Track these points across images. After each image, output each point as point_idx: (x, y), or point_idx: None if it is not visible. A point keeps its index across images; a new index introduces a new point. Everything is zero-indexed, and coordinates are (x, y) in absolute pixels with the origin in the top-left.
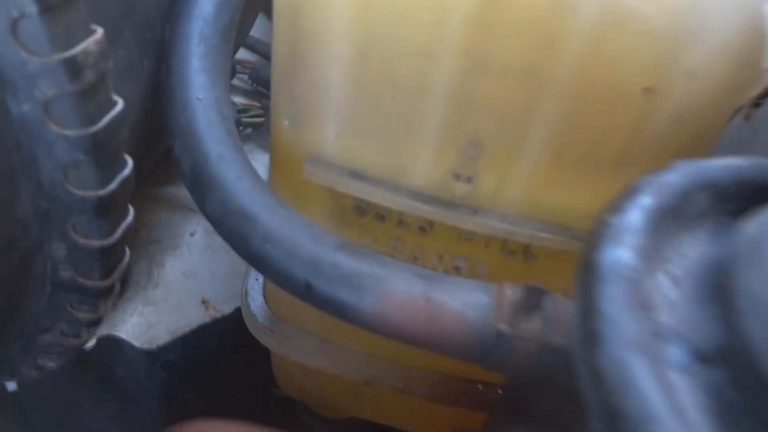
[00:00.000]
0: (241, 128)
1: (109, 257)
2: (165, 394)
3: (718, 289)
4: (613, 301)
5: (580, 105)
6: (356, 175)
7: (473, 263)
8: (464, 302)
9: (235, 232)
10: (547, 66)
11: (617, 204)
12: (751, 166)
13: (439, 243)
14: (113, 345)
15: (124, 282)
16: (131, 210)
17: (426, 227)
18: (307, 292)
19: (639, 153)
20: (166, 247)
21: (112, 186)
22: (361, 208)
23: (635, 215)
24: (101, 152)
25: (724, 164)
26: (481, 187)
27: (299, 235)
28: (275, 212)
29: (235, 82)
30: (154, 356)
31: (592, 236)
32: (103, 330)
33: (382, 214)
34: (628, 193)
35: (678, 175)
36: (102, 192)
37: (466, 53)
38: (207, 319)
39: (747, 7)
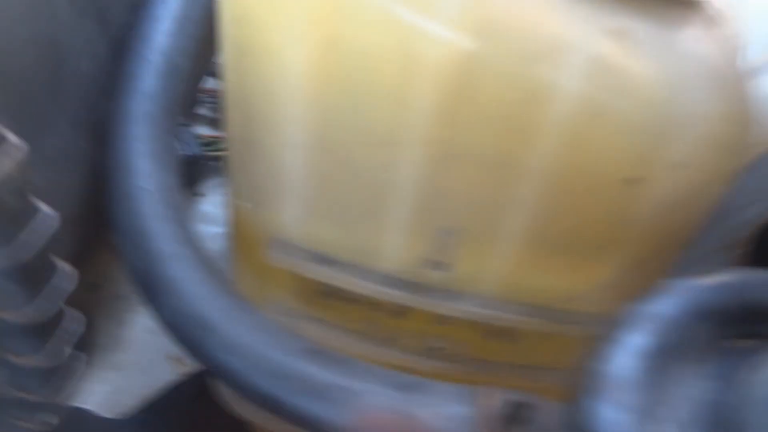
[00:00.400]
0: (208, 162)
1: (55, 372)
2: None
3: None
4: None
5: (557, 194)
6: (322, 259)
7: (454, 343)
8: (446, 417)
9: (193, 342)
10: (521, 155)
11: (607, 346)
12: (754, 283)
13: (416, 325)
14: (79, 418)
15: (89, 346)
16: (81, 318)
17: (400, 311)
18: (275, 406)
19: (622, 239)
20: (131, 304)
21: (47, 306)
22: (329, 292)
23: (628, 362)
24: (27, 272)
25: (725, 284)
26: (458, 272)
27: (264, 343)
28: (236, 318)
29: (201, 111)
30: (124, 423)
31: (580, 389)
32: (69, 401)
33: (352, 298)
34: (617, 331)
35: (674, 305)
36: (34, 315)
37: (433, 143)
38: (177, 376)
39: (727, 93)
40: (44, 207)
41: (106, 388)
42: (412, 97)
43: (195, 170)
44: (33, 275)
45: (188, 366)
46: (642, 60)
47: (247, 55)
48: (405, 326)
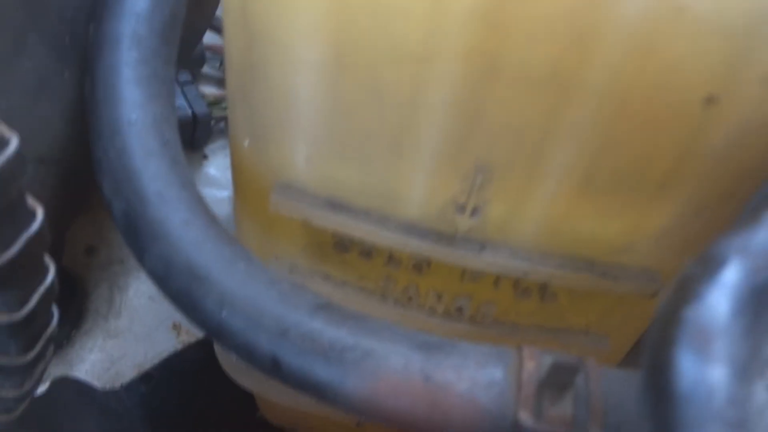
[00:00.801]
0: (213, 122)
1: (24, 330)
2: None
3: None
4: None
5: (618, 118)
6: (335, 205)
7: (479, 303)
8: (474, 381)
9: (184, 296)
10: (577, 70)
11: (694, 284)
12: None
13: (438, 282)
14: (71, 387)
15: (82, 312)
16: (51, 267)
17: (422, 265)
18: (275, 370)
19: (691, 174)
20: (129, 268)
21: (13, 251)
22: (343, 244)
23: (723, 305)
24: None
25: None
26: (490, 218)
27: (264, 296)
28: (233, 267)
29: (205, 70)
30: (118, 394)
31: (660, 338)
32: (59, 370)
33: (368, 251)
34: (708, 266)
35: None
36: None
37: (472, 56)
38: (180, 346)
39: None
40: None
41: (101, 357)
42: (448, 1)
43: (200, 131)
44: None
45: (190, 335)
46: None
47: None
48: (426, 284)
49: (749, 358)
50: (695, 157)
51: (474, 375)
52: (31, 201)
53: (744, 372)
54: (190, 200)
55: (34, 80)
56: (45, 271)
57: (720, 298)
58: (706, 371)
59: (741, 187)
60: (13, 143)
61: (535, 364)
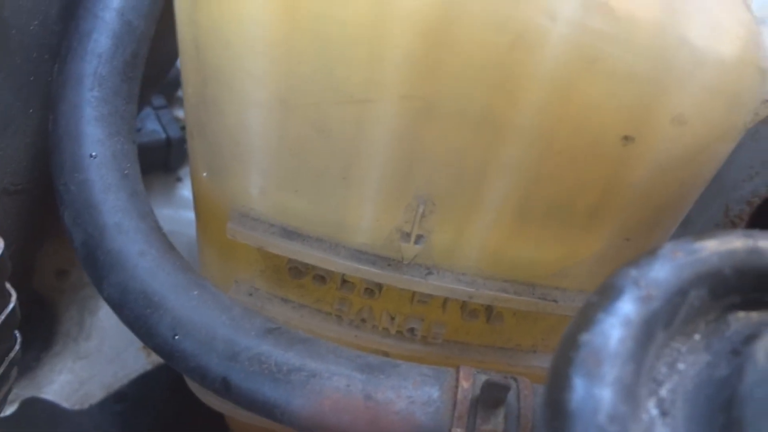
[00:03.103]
0: (185, 145)
1: None
2: None
3: (719, 430)
4: None
5: (546, 155)
6: (288, 233)
7: (429, 324)
8: (412, 400)
9: (140, 321)
10: (506, 111)
11: (591, 312)
12: (750, 250)
13: (390, 304)
14: (39, 408)
15: (52, 334)
16: (12, 295)
17: (373, 289)
18: (225, 391)
19: (616, 205)
20: None
21: None
22: (298, 269)
23: (616, 332)
24: None
25: (723, 249)
26: (434, 245)
27: (215, 321)
28: (187, 294)
29: (180, 93)
30: (86, 414)
31: (561, 360)
32: (28, 392)
33: (321, 275)
34: (605, 296)
35: (669, 269)
36: None
37: (409, 99)
38: (149, 366)
39: (741, 38)
40: None
41: (70, 378)
42: (385, 47)
43: (174, 154)
44: None
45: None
46: (641, 1)
47: (201, 2)
48: (378, 306)
49: (636, 379)
50: (619, 190)
51: (412, 394)
52: None
53: (629, 392)
54: (147, 231)
55: (0, 118)
56: (6, 298)
57: (612, 325)
58: (593, 391)
59: (664, 217)
60: None
61: (470, 383)
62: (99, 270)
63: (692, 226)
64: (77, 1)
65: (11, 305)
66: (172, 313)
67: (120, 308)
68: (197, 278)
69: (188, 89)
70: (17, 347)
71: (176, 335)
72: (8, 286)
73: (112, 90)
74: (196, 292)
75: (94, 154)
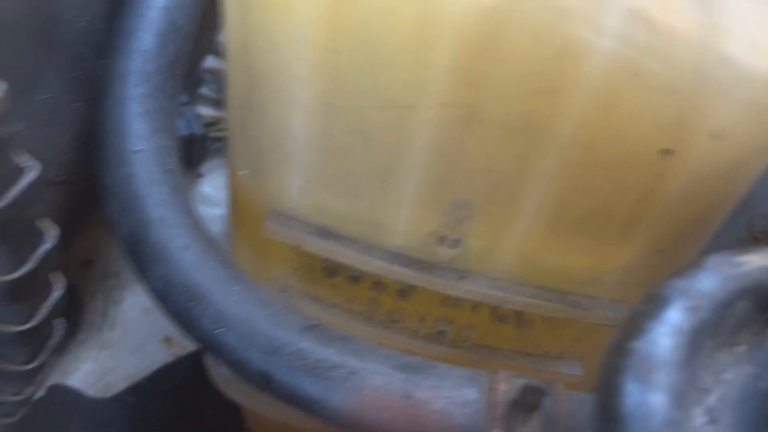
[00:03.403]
0: (209, 142)
1: (31, 340)
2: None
3: None
4: None
5: (583, 165)
6: (325, 233)
7: (459, 327)
8: (450, 400)
9: (183, 313)
10: (546, 121)
11: (640, 320)
12: None
13: (421, 306)
14: (64, 395)
15: (77, 323)
16: (59, 283)
17: (406, 290)
18: (266, 385)
19: (650, 217)
20: (124, 282)
21: (27, 268)
22: (332, 269)
23: (667, 341)
24: (8, 232)
25: (765, 264)
26: (469, 250)
27: (257, 316)
28: (229, 288)
29: (203, 91)
30: (110, 403)
31: (611, 366)
32: (54, 378)
33: (355, 275)
34: (653, 305)
35: (715, 281)
36: (13, 276)
37: (452, 105)
38: (170, 358)
39: None
40: (33, 165)
41: (94, 367)
42: (430, 54)
43: (196, 150)
44: (20, 237)
45: (181, 348)
46: (683, 16)
47: (252, 9)
48: (409, 308)
49: (686, 387)
50: (654, 202)
51: (450, 394)
52: (45, 222)
53: (680, 399)
54: (190, 225)
55: (48, 110)
56: (53, 286)
57: (663, 334)
58: (646, 397)
59: (697, 230)
60: (33, 171)
61: (507, 386)
62: (144, 262)
63: (715, 241)
64: (123, 0)
65: (57, 293)
66: (214, 307)
67: (164, 300)
68: (238, 273)
69: (233, 91)
70: (58, 335)
71: (218, 328)
72: (55, 275)
73: (156, 87)
74: (237, 287)
75: (138, 149)
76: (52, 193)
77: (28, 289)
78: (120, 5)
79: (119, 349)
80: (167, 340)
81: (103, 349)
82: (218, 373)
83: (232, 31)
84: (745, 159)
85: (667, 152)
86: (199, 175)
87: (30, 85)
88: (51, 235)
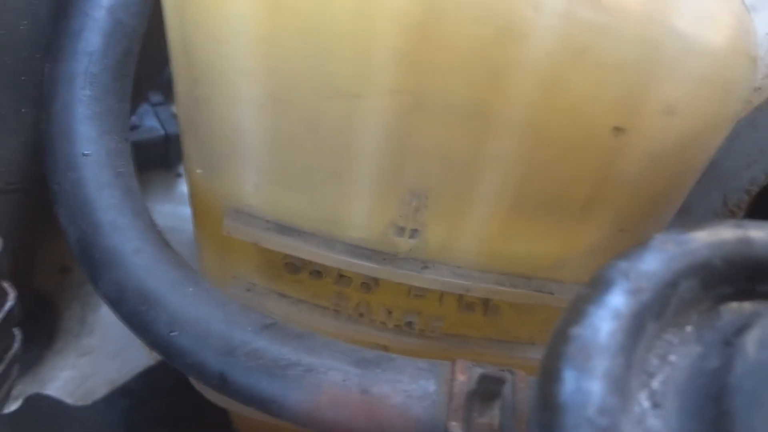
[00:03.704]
0: None
1: None
2: None
3: (710, 422)
4: None
5: (537, 147)
6: (284, 228)
7: (427, 318)
8: (408, 394)
9: (136, 318)
10: (495, 104)
11: (581, 305)
12: (740, 241)
13: (387, 299)
14: (43, 404)
15: (54, 331)
16: (10, 293)
17: (370, 283)
18: (222, 386)
19: (609, 197)
20: None
21: None
22: (294, 265)
23: (606, 325)
24: None
25: (714, 240)
26: (429, 239)
27: (211, 317)
28: (182, 291)
29: None
30: (89, 410)
31: (551, 353)
32: (31, 388)
33: (318, 270)
34: (595, 288)
35: (659, 260)
36: None
37: (399, 92)
38: (152, 362)
39: (732, 27)
40: None
41: (73, 374)
42: (372, 40)
43: (173, 150)
44: None
45: None
46: None
47: (190, 2)
48: (375, 300)
49: (627, 372)
50: (611, 182)
51: (408, 387)
52: None
53: (620, 385)
54: (142, 228)
55: None
56: (4, 296)
57: (602, 318)
58: (582, 384)
59: (658, 208)
60: None
61: (465, 376)
62: (95, 268)
63: (691, 216)
64: (68, 0)
65: (9, 303)
66: (168, 310)
67: (117, 305)
68: (192, 275)
69: (179, 88)
70: (17, 345)
71: (173, 331)
72: (6, 284)
73: (104, 88)
74: (191, 289)
75: (87, 152)
76: (1, 203)
77: None
78: (64, 6)
79: (98, 355)
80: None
81: (82, 356)
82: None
83: (170, 24)
84: (699, 134)
85: (619, 130)
86: (178, 175)
87: None
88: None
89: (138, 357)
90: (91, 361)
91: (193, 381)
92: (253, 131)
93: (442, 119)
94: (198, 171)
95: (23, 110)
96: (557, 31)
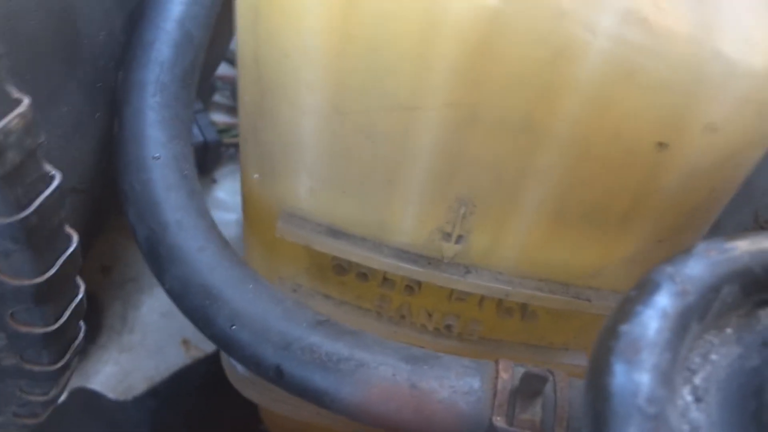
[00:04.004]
0: (223, 148)
1: (56, 342)
2: None
3: (750, 415)
4: None
5: (582, 161)
6: (334, 232)
7: (466, 321)
8: (454, 390)
9: (198, 312)
10: (545, 120)
11: (630, 305)
12: None
13: (428, 301)
14: (86, 397)
15: (97, 327)
16: (81, 286)
17: (413, 286)
18: (278, 379)
19: (648, 210)
20: (142, 286)
21: (52, 271)
22: (341, 267)
23: (654, 324)
24: (35, 237)
25: (754, 249)
26: (473, 245)
27: (270, 313)
28: (243, 288)
29: (216, 98)
30: (131, 405)
31: (601, 347)
32: (75, 382)
33: (364, 273)
34: (643, 290)
35: (703, 266)
36: (39, 280)
37: (455, 106)
38: (188, 361)
39: (766, 49)
40: (57, 174)
41: (115, 370)
42: (433, 58)
43: (210, 157)
44: (47, 242)
45: (199, 350)
46: (676, 14)
47: (262, 16)
48: (417, 303)
49: (672, 367)
50: (651, 195)
51: (454, 384)
52: (68, 228)
53: (666, 378)
54: (206, 228)
55: (70, 121)
56: (76, 289)
57: (650, 317)
58: (632, 376)
59: (695, 220)
60: (56, 180)
61: (509, 374)
62: (161, 264)
63: (722, 231)
64: (141, 13)
65: (80, 295)
66: (229, 305)
67: (181, 299)
68: (252, 272)
69: (245, 98)
70: (81, 335)
71: (233, 325)
72: (77, 278)
73: (172, 96)
74: (251, 286)
75: (156, 155)
76: (73, 201)
77: (53, 292)
78: (138, 18)
79: (138, 352)
80: (185, 343)
81: (123, 352)
82: (235, 373)
83: (243, 39)
84: (739, 151)
85: (662, 146)
86: (213, 181)
87: (53, 98)
88: (74, 240)
89: (175, 355)
90: (132, 358)
91: (231, 378)
92: (314, 139)
93: (494, 132)
94: (255, 176)
95: (97, 115)
96: (609, 53)
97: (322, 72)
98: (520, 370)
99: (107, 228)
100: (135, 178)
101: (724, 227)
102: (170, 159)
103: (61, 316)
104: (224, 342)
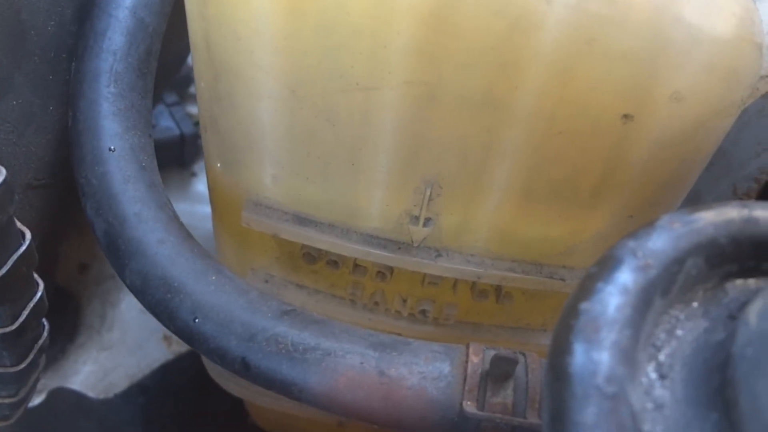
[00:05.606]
0: (200, 141)
1: (17, 342)
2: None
3: (714, 391)
4: (590, 427)
5: (547, 136)
6: (301, 219)
7: (441, 306)
8: (423, 376)
9: (160, 306)
10: (507, 95)
11: (591, 282)
12: (745, 220)
13: (402, 287)
14: (66, 398)
15: (76, 326)
16: (39, 284)
17: (385, 272)
18: (245, 371)
19: (618, 183)
20: (120, 284)
21: (3, 270)
22: (311, 255)
23: (614, 300)
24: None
25: (719, 220)
26: (443, 228)
27: (233, 304)
28: (205, 280)
29: (192, 90)
30: (111, 403)
31: (561, 327)
32: (55, 382)
33: (334, 260)
34: (604, 266)
35: (666, 239)
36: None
37: (413, 84)
38: (170, 356)
39: (738, 16)
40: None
41: (95, 368)
42: (388, 34)
43: (188, 149)
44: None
45: (180, 345)
46: None
47: (212, 1)
48: (390, 289)
49: (635, 344)
50: (620, 168)
51: (423, 369)
52: (19, 225)
53: (627, 356)
54: (166, 220)
55: (21, 115)
56: (34, 287)
57: (610, 293)
58: (591, 355)
59: (666, 194)
60: (1, 176)
61: (479, 358)
62: (121, 258)
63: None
64: (92, 1)
65: (39, 294)
66: (191, 298)
67: (142, 294)
68: (215, 264)
69: (201, 84)
70: (45, 334)
71: (196, 318)
72: (35, 276)
73: (127, 86)
74: (214, 277)
75: (112, 147)
76: (29, 197)
77: (7, 292)
78: (89, 7)
79: (119, 350)
80: (166, 339)
81: (103, 351)
82: (214, 368)
83: (192, 23)
84: (707, 120)
85: (628, 117)
86: (193, 174)
87: (1, 93)
88: (27, 238)
89: (156, 351)
90: (112, 356)
91: (210, 372)
92: (272, 125)
93: (456, 109)
94: (218, 165)
95: (50, 108)
96: (567, 22)
97: (276, 54)
98: (491, 353)
99: (83, 225)
100: (91, 171)
101: (703, 201)
102: (127, 150)
103: (19, 316)
104: (188, 335)
